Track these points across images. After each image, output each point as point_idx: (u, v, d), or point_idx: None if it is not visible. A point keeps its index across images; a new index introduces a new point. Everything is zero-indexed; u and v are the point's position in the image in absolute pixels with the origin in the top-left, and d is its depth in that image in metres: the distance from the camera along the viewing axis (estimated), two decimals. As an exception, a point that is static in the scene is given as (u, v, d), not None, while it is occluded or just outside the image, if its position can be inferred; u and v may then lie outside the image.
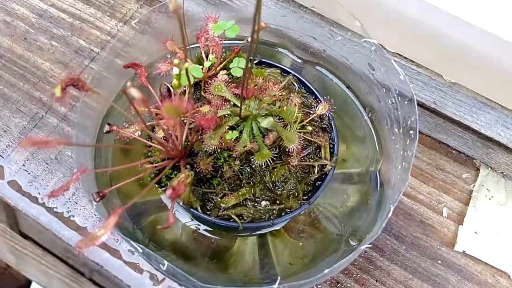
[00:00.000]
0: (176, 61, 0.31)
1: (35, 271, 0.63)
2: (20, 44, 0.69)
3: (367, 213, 0.46)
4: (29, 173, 0.58)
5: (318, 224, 0.49)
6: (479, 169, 0.63)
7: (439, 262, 0.57)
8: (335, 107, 0.45)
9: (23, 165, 0.59)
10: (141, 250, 0.32)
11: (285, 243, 0.48)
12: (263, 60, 0.50)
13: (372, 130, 0.49)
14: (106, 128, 0.40)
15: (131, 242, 0.32)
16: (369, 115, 0.50)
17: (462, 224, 0.59)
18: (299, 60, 0.55)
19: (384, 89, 0.44)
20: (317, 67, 0.54)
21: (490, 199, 0.61)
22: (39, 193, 0.57)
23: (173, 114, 0.25)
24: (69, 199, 0.57)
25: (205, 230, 0.46)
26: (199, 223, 0.46)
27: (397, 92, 0.41)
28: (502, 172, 0.62)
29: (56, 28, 0.71)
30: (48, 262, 0.63)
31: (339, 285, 0.55)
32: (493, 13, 0.41)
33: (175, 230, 0.46)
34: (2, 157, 0.60)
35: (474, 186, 0.61)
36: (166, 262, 0.31)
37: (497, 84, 0.46)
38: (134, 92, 0.25)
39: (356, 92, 0.51)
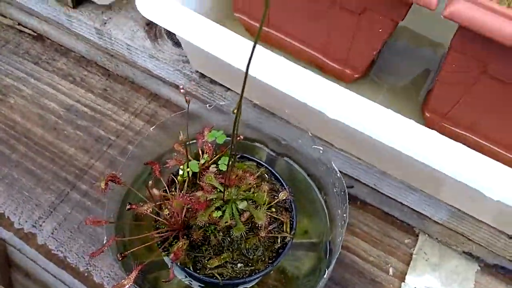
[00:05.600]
0: (182, 167, 0.47)
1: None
2: (50, 133, 0.86)
3: (319, 276, 0.61)
4: (56, 240, 0.73)
5: (285, 283, 0.64)
6: (418, 236, 0.78)
7: (386, 313, 0.71)
8: (297, 191, 0.61)
9: (52, 233, 0.73)
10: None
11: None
12: (244, 155, 0.67)
13: (326, 210, 0.65)
14: (128, 206, 0.55)
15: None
16: (323, 198, 0.66)
17: (404, 281, 0.73)
18: (272, 153, 0.71)
19: (330, 180, 0.61)
20: (286, 159, 0.71)
21: (426, 260, 0.75)
22: (65, 256, 0.71)
23: (178, 206, 0.41)
24: (88, 262, 0.71)
25: (198, 285, 0.60)
26: (191, 279, 0.60)
27: (336, 184, 0.57)
28: (437, 238, 0.77)
29: (80, 120, 0.88)
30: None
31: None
32: (390, 130, 0.57)
33: (173, 286, 0.60)
34: (35, 226, 0.74)
35: (414, 249, 0.76)
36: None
37: (414, 176, 0.63)
38: (155, 192, 0.41)
39: (314, 179, 0.68)
